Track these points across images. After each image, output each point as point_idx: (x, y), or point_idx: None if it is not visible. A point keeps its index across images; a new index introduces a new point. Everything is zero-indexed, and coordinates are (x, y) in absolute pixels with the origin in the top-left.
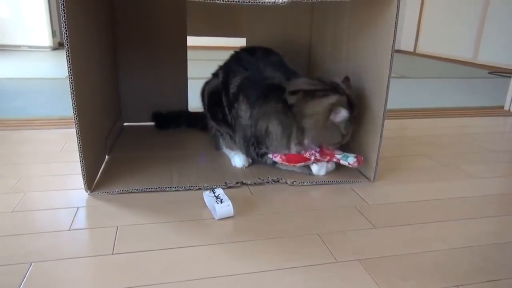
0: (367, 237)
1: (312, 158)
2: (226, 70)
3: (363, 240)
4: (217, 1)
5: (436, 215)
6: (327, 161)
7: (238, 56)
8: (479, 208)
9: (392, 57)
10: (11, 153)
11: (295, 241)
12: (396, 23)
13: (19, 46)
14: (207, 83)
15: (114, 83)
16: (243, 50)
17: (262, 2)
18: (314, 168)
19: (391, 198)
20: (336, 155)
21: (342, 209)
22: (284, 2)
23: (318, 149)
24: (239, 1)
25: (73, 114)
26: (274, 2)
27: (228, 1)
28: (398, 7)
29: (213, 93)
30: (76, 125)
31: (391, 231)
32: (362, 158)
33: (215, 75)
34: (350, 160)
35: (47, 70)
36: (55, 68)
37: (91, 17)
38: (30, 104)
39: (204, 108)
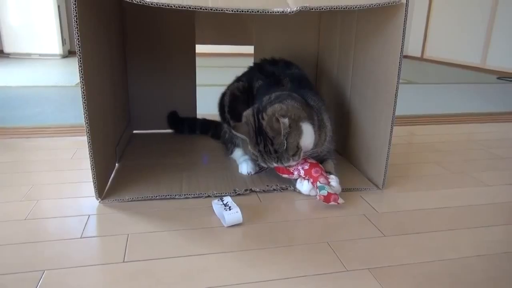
0: (377, 245)
1: (296, 173)
2: (250, 76)
3: (373, 249)
4: (226, 11)
5: (447, 223)
6: (312, 183)
7: (260, 66)
8: (490, 216)
9: (400, 64)
10: (23, 161)
11: (304, 249)
12: (404, 30)
13: (29, 54)
14: (228, 88)
15: (124, 91)
16: (265, 60)
17: (271, 11)
18: (303, 188)
19: (400, 206)
20: (318, 182)
21: (351, 217)
22: (292, 11)
23: (305, 167)
24: (248, 11)
25: (84, 122)
26: (283, 11)
27: (237, 10)
28: (406, 15)
29: (239, 90)
30: (88, 134)
31: (401, 239)
32: (334, 198)
33: (237, 81)
34: (321, 192)
35: (57, 77)
36: (65, 75)
37: (103, 26)
38: (41, 111)
39: (223, 111)
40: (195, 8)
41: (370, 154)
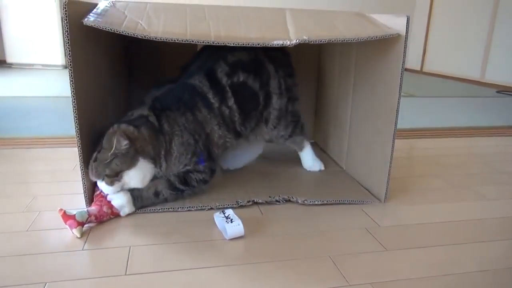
0: (379, 260)
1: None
2: None
3: (375, 263)
4: (228, 44)
5: (449, 237)
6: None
7: None
8: (492, 231)
9: (401, 79)
10: (24, 172)
11: (306, 264)
12: (404, 56)
13: (32, 65)
14: None
15: (123, 106)
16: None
17: (270, 44)
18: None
19: (402, 219)
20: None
21: (352, 231)
22: (292, 44)
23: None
24: (249, 44)
25: (75, 134)
26: (283, 44)
27: (238, 44)
28: (405, 46)
29: None
30: (79, 147)
31: (403, 254)
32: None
33: None
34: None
35: (59, 88)
36: (67, 86)
37: (101, 54)
38: (43, 122)
39: None
40: (199, 42)
41: (371, 167)
